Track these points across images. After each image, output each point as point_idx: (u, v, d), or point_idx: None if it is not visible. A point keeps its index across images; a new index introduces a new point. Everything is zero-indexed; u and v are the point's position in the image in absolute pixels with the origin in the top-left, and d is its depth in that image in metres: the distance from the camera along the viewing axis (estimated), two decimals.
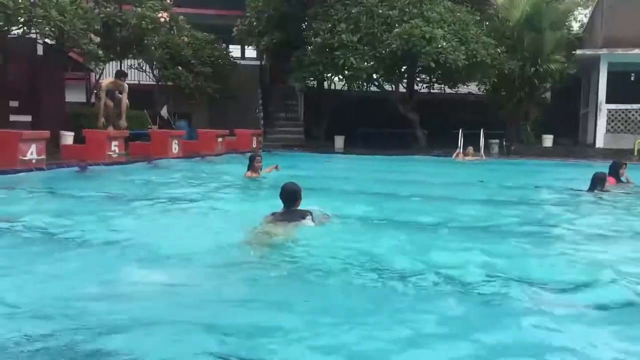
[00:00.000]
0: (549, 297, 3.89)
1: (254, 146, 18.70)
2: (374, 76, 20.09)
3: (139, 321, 3.32)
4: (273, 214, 5.61)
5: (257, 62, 24.85)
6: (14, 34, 13.55)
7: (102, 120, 14.42)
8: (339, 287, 4.14)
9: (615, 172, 9.81)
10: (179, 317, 3.38)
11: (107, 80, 15.55)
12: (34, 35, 14.33)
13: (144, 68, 20.80)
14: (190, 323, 3.29)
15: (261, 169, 10.14)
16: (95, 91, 15.25)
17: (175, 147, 14.71)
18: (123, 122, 14.59)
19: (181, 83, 19.98)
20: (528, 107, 20.59)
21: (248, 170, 10.14)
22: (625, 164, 10.11)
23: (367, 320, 3.43)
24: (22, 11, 12.23)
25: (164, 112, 20.29)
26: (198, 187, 9.57)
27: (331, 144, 20.88)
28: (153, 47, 18.30)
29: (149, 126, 17.88)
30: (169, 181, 10.46)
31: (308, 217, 5.57)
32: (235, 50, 25.07)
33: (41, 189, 9.11)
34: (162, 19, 17.50)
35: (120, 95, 14.64)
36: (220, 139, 16.67)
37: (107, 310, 3.49)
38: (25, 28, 13.20)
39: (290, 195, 5.59)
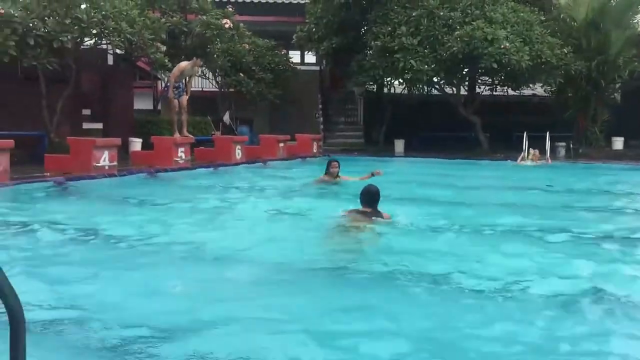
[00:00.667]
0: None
1: (314, 151, 18.83)
2: (435, 79, 19.88)
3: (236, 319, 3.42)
4: (350, 211, 6.05)
5: (317, 67, 25.01)
6: (87, 45, 14.15)
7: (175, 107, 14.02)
8: (428, 290, 4.13)
9: None
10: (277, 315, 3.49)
11: (183, 64, 14.32)
12: (104, 46, 14.93)
13: (207, 75, 21.32)
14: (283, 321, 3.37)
15: (337, 175, 10.09)
16: (166, 89, 15.15)
17: (238, 153, 14.99)
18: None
19: (243, 89, 20.35)
20: (596, 109, 19.83)
21: (325, 174, 10.19)
22: None
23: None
24: (95, 24, 12.77)
25: (226, 118, 20.71)
26: (269, 191, 9.72)
27: (391, 148, 20.77)
28: (216, 55, 18.70)
29: (212, 132, 18.29)
30: (239, 185, 10.65)
31: (386, 216, 6.06)
32: (295, 56, 25.33)
33: (115, 195, 9.46)
34: (227, 25, 17.87)
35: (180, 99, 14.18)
36: (281, 144, 16.88)
37: (188, 309, 3.61)
38: (97, 39, 13.76)
39: (373, 196, 5.98)
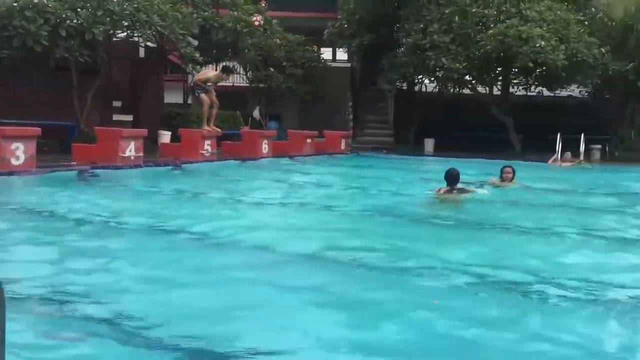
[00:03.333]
0: None
1: (343, 148, 18.73)
2: (467, 78, 19.57)
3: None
4: (439, 189, 7.90)
5: (348, 64, 24.88)
6: (118, 38, 14.32)
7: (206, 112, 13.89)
8: None
9: None
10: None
11: (210, 73, 14.93)
12: (136, 39, 15.08)
13: (237, 70, 21.39)
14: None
15: (512, 179, 9.74)
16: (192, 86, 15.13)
17: (265, 147, 14.98)
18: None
19: (273, 84, 20.36)
20: (634, 111, 19.25)
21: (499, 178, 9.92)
22: None
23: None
24: (127, 16, 12.90)
25: (255, 113, 20.77)
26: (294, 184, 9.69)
27: (421, 147, 20.53)
28: (247, 50, 18.74)
29: (241, 126, 18.33)
30: (263, 176, 10.64)
31: (473, 189, 8.26)
32: (326, 53, 25.25)
33: (137, 184, 9.53)
34: (257, 22, 17.88)
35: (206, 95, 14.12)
36: (309, 140, 16.82)
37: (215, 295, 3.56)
38: (128, 32, 13.90)
39: (456, 176, 7.77)
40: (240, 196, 8.14)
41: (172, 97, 20.17)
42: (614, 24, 19.11)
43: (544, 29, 17.05)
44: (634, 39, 18.54)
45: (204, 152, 13.00)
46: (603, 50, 18.05)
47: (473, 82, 20.09)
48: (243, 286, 3.87)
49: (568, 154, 16.14)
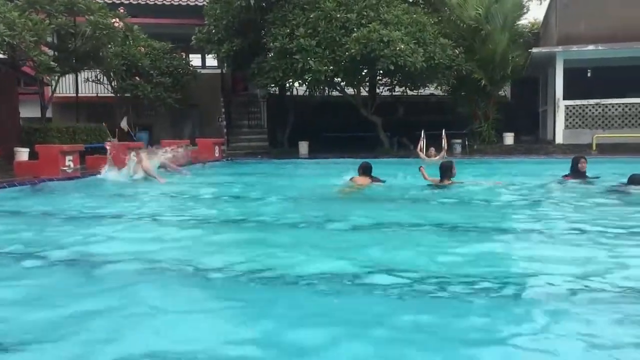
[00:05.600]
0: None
1: (216, 155, 18.51)
2: (335, 80, 20.09)
3: None
4: (352, 178, 9.54)
5: (218, 70, 24.66)
6: None
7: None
8: None
9: (575, 166, 9.92)
10: None
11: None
12: None
13: (101, 79, 20.45)
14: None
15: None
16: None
17: (134, 160, 14.37)
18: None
19: (139, 94, 19.67)
20: (487, 107, 20.78)
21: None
22: (584, 158, 10.14)
23: None
24: None
25: (123, 124, 19.96)
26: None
27: (295, 150, 20.79)
28: (109, 59, 17.94)
29: (108, 139, 17.53)
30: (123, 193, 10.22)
31: (378, 181, 9.53)
32: (195, 59, 24.82)
33: None
34: (116, 24, 17.14)
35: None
36: (180, 149, 16.40)
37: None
38: None
39: (368, 168, 9.51)
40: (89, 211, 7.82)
41: (29, 111, 18.84)
42: (464, 25, 20.41)
43: (402, 32, 17.89)
44: (481, 39, 19.94)
45: (65, 168, 12.26)
46: (457, 51, 19.28)
47: (341, 83, 20.66)
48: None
49: (432, 150, 17.04)
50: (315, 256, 5.08)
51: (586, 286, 4.00)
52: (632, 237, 5.72)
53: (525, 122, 23.44)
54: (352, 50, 17.58)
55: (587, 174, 9.86)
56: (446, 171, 9.26)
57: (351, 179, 9.58)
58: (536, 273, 4.39)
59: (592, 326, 3.27)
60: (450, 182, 9.30)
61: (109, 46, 17.61)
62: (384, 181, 9.59)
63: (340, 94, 21.27)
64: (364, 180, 9.40)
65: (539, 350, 3.01)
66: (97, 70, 19.45)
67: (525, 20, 23.34)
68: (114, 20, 17.01)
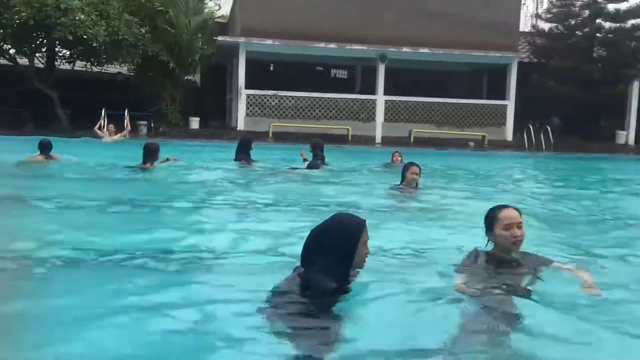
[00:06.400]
0: None
1: None
2: (4, 46, 17.78)
3: None
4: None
5: None
6: None
7: None
8: None
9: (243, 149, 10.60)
10: None
11: None
12: None
13: None
14: None
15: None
16: None
17: None
18: None
19: None
20: (175, 90, 20.84)
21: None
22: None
23: None
24: None
25: None
26: None
27: None
28: None
29: None
30: None
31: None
32: None
33: None
34: None
35: None
36: None
37: None
38: None
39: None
40: None
41: None
42: (150, 5, 20.02)
43: (83, 1, 16.71)
44: (166, 22, 19.81)
45: None
46: (143, 30, 18.82)
47: (11, 51, 18.36)
48: None
49: (112, 127, 16.32)
50: None
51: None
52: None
53: (214, 109, 24.15)
54: (23, 14, 15.76)
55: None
56: (151, 153, 8.83)
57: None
58: None
59: None
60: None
61: None
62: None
63: (9, 63, 18.87)
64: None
65: None
66: None
67: (213, 10, 23.88)
68: None
